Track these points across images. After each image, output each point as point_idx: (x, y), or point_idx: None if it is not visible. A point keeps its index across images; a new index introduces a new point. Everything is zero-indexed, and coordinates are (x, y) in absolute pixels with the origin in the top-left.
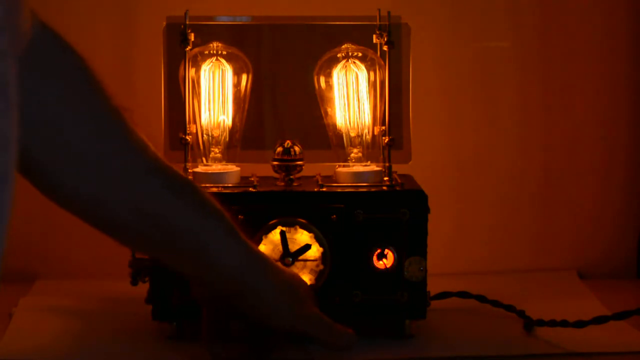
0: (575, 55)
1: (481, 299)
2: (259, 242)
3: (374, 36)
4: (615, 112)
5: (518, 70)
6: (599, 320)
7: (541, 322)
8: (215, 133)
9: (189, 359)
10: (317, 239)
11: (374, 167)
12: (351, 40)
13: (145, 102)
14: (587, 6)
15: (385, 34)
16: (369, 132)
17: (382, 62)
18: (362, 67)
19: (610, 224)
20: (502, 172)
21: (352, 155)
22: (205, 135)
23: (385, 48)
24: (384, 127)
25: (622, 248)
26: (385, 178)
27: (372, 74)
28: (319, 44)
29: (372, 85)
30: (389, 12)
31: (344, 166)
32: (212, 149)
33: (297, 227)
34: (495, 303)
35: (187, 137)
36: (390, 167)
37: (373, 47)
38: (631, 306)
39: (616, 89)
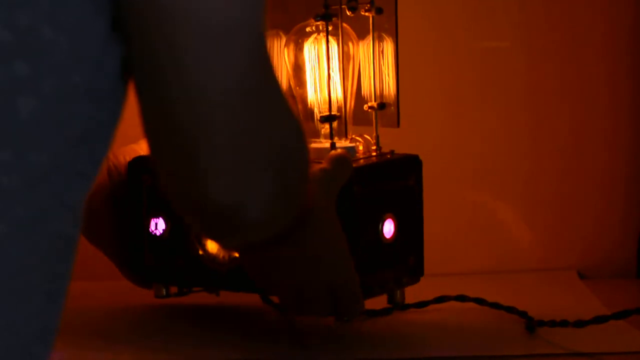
0: (576, 55)
1: (480, 301)
2: None
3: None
4: (617, 111)
5: (519, 70)
6: (599, 320)
7: (541, 322)
8: None
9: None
10: None
11: (345, 143)
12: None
13: None
14: (591, 5)
15: (365, 5)
16: (341, 108)
17: (353, 32)
18: (333, 40)
19: (610, 224)
20: (501, 173)
21: (323, 131)
22: None
23: (366, 14)
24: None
25: (622, 248)
26: (373, 147)
27: (351, 45)
28: (295, 16)
29: (348, 58)
30: None
31: (314, 142)
32: None
33: None
34: (495, 305)
35: None
36: (377, 137)
37: (348, 18)
38: (631, 306)
39: (619, 89)
